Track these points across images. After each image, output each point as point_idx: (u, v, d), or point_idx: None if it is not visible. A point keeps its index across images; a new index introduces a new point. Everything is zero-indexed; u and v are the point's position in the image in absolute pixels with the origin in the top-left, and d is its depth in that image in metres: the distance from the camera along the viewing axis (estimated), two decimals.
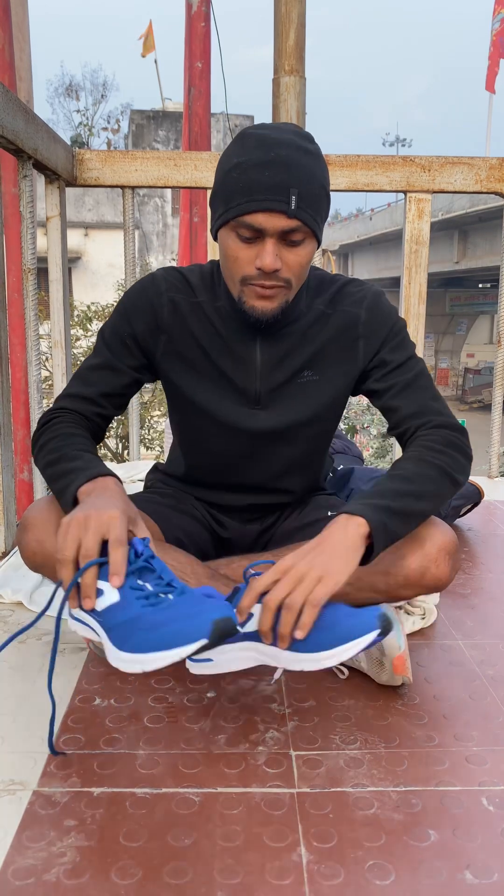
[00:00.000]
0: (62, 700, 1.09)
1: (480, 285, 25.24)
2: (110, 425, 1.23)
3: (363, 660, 1.13)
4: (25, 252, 1.86)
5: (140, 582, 0.89)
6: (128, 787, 0.90)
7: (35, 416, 1.95)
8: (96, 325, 8.75)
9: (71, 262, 14.40)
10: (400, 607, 1.35)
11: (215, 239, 1.14)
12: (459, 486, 1.14)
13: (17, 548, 1.62)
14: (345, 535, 0.96)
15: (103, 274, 14.44)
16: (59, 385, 2.28)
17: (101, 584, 0.91)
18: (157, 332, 1.21)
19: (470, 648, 1.27)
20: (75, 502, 1.02)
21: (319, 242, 1.12)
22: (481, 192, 2.35)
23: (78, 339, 8.64)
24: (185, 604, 0.84)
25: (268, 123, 1.10)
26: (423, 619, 1.35)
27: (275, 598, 0.90)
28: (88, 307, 8.89)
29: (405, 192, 2.31)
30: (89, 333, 8.67)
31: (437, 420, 1.17)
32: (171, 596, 0.86)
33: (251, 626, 0.82)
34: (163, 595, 0.87)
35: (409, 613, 1.36)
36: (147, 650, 0.83)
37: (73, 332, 8.59)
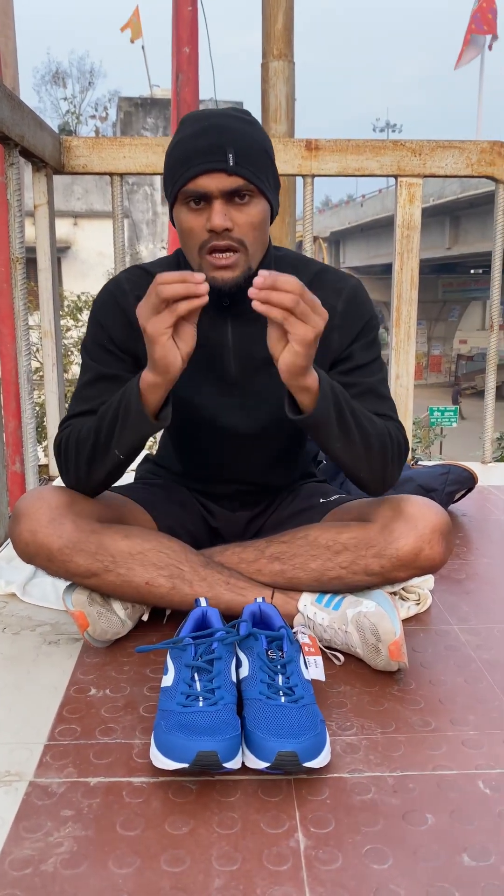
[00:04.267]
0: (57, 691, 1.08)
1: (472, 271, 25.22)
2: None
3: (359, 646, 1.13)
4: (13, 241, 1.84)
5: (195, 676, 0.94)
6: (124, 777, 0.90)
7: (26, 407, 1.94)
8: (86, 315, 8.70)
9: (60, 251, 14.29)
10: (395, 593, 1.35)
11: (175, 226, 1.14)
12: (385, 463, 1.15)
13: (9, 539, 1.61)
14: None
15: (93, 263, 14.35)
16: (50, 376, 2.27)
17: (169, 663, 0.98)
18: (132, 331, 1.16)
19: (465, 633, 1.27)
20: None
21: (272, 205, 1.13)
22: (472, 177, 2.33)
23: (69, 329, 8.60)
24: (203, 719, 0.88)
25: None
26: (418, 604, 1.35)
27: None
28: (78, 297, 8.84)
29: (396, 177, 2.29)
30: (80, 323, 8.63)
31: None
32: (201, 704, 0.90)
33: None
34: (200, 699, 0.91)
35: (403, 599, 1.36)
36: (157, 747, 0.89)
37: (63, 322, 8.55)
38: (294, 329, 0.95)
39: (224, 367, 1.21)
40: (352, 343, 1.20)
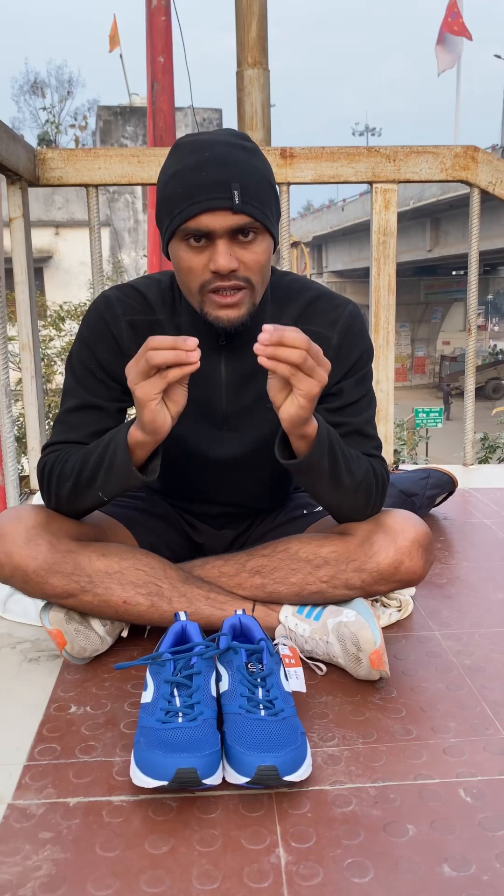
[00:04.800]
0: (37, 709, 1.07)
1: (454, 273, 25.40)
2: None
3: (340, 656, 1.12)
4: None
5: (175, 692, 0.94)
6: (104, 796, 0.89)
7: (4, 421, 1.93)
8: (69, 325, 8.69)
9: (42, 261, 14.26)
10: (376, 600, 1.35)
11: (168, 258, 1.10)
12: (367, 503, 1.15)
13: None
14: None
15: (76, 272, 14.32)
16: (30, 388, 2.25)
17: (148, 679, 0.98)
18: (123, 358, 1.14)
19: (446, 639, 1.27)
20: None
21: (275, 241, 1.09)
22: (447, 181, 2.35)
23: (52, 339, 8.58)
24: (182, 735, 0.88)
25: (200, 132, 1.08)
26: (400, 611, 1.35)
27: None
28: (61, 307, 8.82)
29: (371, 183, 2.30)
30: (63, 333, 8.60)
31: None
32: (180, 720, 0.90)
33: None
34: (179, 715, 0.90)
35: (385, 606, 1.36)
36: (137, 765, 0.88)
37: (46, 332, 8.53)
38: (301, 384, 0.93)
39: (215, 403, 1.18)
40: (343, 378, 1.17)
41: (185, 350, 0.92)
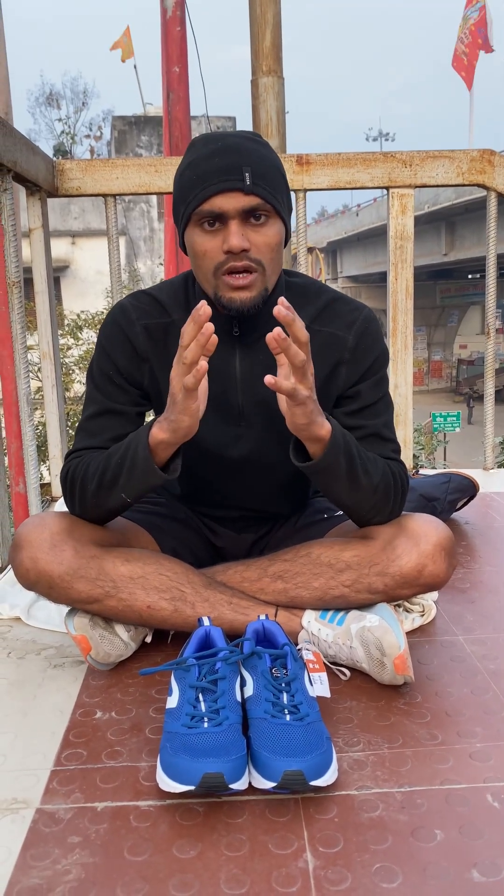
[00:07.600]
0: (63, 715, 1.08)
1: (470, 276, 25.28)
2: None
3: (364, 661, 1.12)
4: (9, 265, 1.85)
5: (200, 697, 0.94)
6: (131, 801, 0.89)
7: (26, 429, 1.95)
8: (87, 334, 8.75)
9: (59, 270, 14.38)
10: (399, 605, 1.35)
11: (185, 252, 1.12)
12: (386, 505, 1.16)
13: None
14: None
15: (92, 281, 14.43)
16: (50, 396, 2.27)
17: (173, 684, 0.98)
18: (139, 362, 1.18)
19: (470, 643, 1.27)
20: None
21: (287, 227, 1.11)
22: (463, 185, 2.35)
23: (69, 348, 8.63)
24: (208, 740, 0.88)
25: (214, 131, 1.13)
26: (423, 615, 1.35)
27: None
28: (78, 315, 8.88)
29: (387, 189, 2.30)
30: (80, 342, 8.66)
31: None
32: (206, 724, 0.90)
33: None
34: (205, 720, 0.91)
35: (408, 611, 1.35)
36: (164, 770, 0.89)
37: (63, 341, 8.59)
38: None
39: (230, 398, 1.19)
40: (359, 380, 1.18)
41: (197, 321, 0.94)
